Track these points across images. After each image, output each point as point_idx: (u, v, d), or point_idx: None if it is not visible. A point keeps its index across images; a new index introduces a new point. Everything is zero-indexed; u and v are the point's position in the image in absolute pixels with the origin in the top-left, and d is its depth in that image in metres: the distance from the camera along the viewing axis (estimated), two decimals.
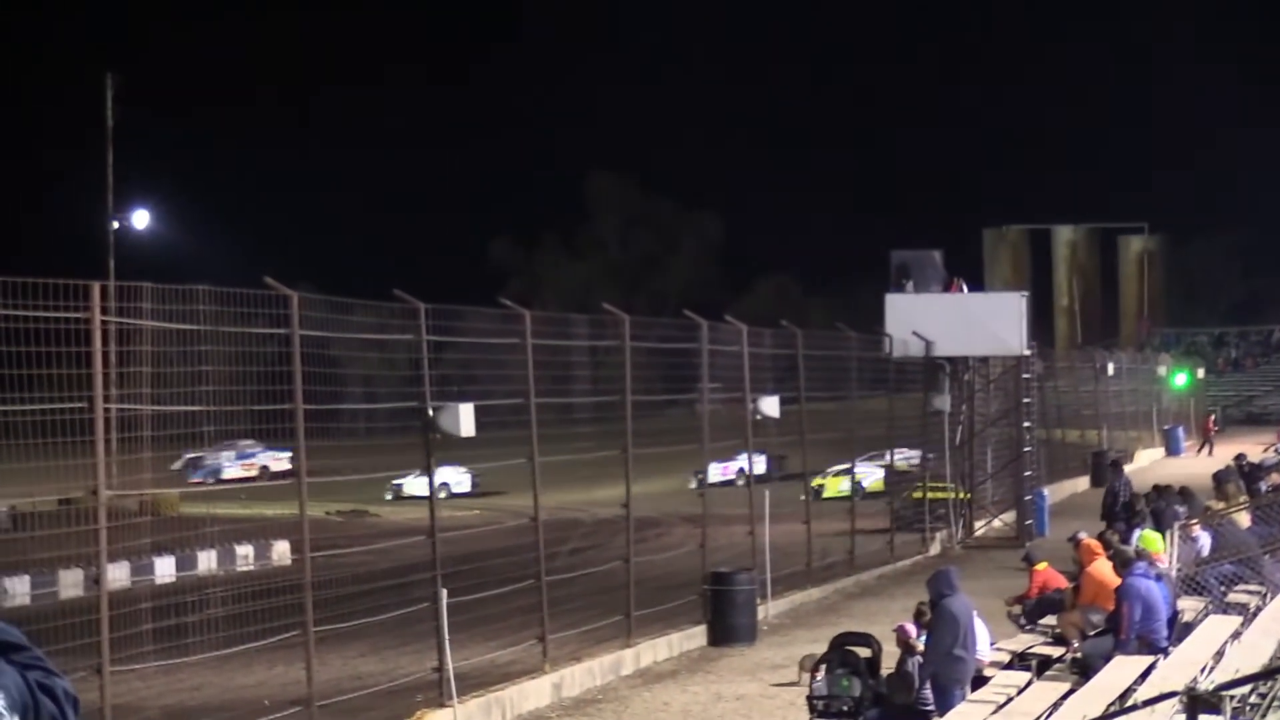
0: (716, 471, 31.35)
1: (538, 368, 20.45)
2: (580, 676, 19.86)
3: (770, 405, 26.84)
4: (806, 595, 27.39)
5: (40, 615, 14.17)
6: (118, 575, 23.22)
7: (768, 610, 25.10)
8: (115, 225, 66.85)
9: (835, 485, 37.83)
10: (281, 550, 35.80)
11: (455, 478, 45.54)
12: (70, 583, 30.98)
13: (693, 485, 34.15)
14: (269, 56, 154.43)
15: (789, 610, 26.15)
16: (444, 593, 17.40)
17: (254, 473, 36.89)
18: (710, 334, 25.21)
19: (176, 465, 26.94)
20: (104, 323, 14.01)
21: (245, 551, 38.49)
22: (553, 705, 18.90)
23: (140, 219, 69.22)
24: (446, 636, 17.20)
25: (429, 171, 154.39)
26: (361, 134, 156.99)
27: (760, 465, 33.29)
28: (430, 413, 18.02)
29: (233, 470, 41.99)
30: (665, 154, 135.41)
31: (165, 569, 34.72)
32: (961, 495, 36.90)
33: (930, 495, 35.62)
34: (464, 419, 18.17)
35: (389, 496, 51.81)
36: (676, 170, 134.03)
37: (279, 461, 28.60)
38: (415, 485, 41.89)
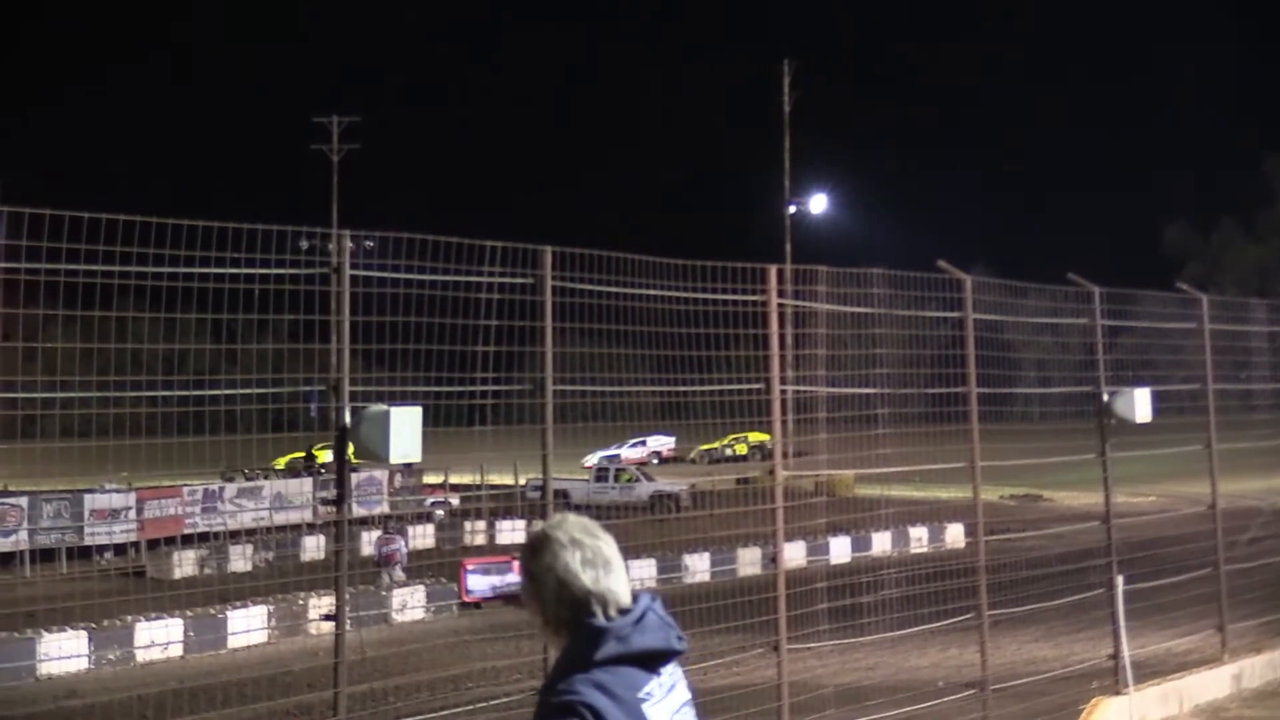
0: None
1: (1215, 353, 19.81)
2: (1260, 669, 18.99)
3: None
4: None
5: (720, 592, 14.67)
6: (794, 554, 23.93)
7: None
8: (792, 210, 68.86)
9: None
10: (955, 533, 36.05)
11: None
12: (748, 560, 32.28)
13: None
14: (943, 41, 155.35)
15: None
16: (1120, 579, 17.04)
17: None
18: None
19: None
20: (780, 305, 14.36)
21: (919, 534, 38.99)
22: (1232, 697, 18.15)
23: (817, 203, 70.98)
24: (1122, 623, 16.83)
25: (1103, 155, 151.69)
26: (1038, 119, 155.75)
27: None
28: (1105, 398, 17.71)
29: None
30: None
31: (840, 549, 35.62)
32: None
33: None
34: (1139, 404, 17.76)
35: None
36: None
37: None
38: None
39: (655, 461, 62.61)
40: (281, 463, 56.29)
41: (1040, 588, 18.14)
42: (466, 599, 11.26)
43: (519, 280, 12.66)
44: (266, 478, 48.31)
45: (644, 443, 66.60)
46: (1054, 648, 19.53)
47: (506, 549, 34.06)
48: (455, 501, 47.06)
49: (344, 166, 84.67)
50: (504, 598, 11.41)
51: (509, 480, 42.12)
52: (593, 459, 55.74)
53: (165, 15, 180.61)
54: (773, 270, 14.32)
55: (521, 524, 37.71)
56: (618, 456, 61.09)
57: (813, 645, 15.18)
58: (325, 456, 60.98)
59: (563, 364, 13.03)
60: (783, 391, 14.47)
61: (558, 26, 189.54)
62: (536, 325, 12.65)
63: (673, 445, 67.53)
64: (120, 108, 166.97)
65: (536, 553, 4.36)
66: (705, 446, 69.34)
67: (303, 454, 58.13)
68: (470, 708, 16.98)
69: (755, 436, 67.98)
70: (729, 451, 70.30)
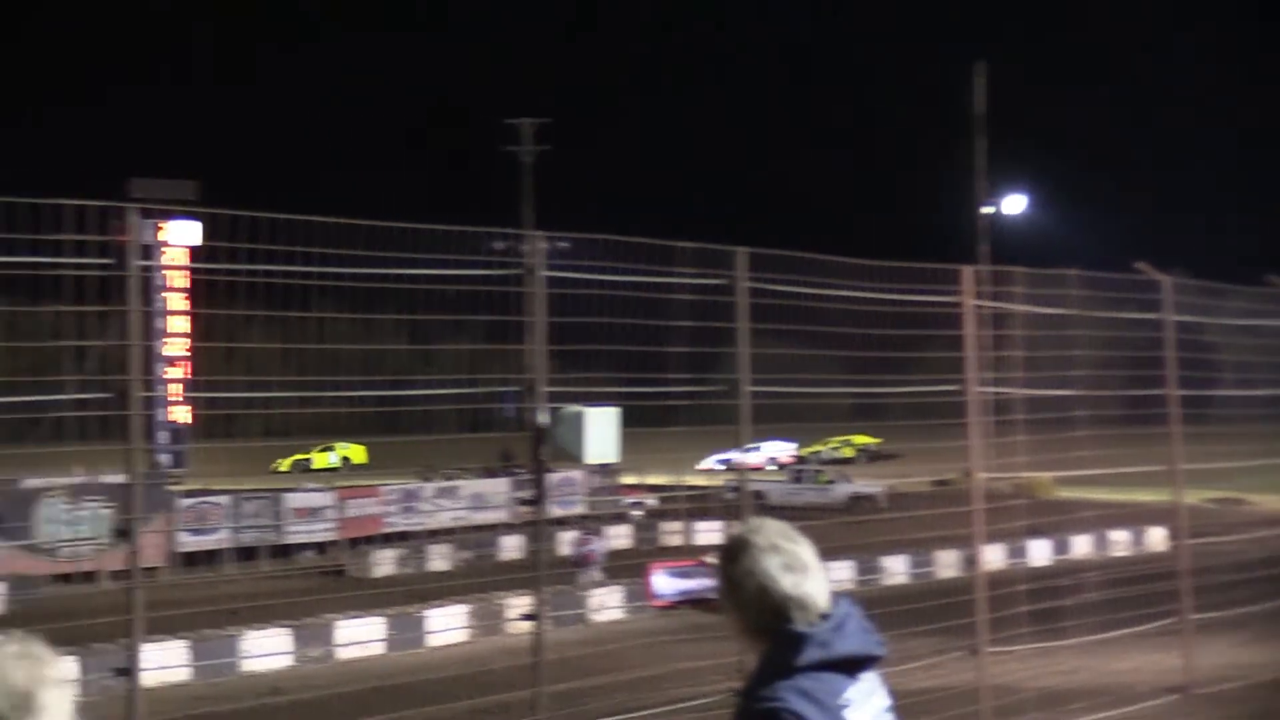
0: None
1: None
2: None
3: None
4: None
5: (918, 594, 14.55)
6: (993, 557, 23.62)
7: None
8: (988, 211, 68.02)
9: None
10: (1155, 536, 35.31)
11: None
12: (946, 563, 31.93)
13: None
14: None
15: None
16: None
17: None
18: None
19: None
20: (976, 307, 14.22)
21: (1119, 537, 38.25)
22: None
23: (1013, 204, 69.97)
24: None
25: None
26: (1243, 116, 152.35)
27: None
28: None
29: None
30: None
31: (1040, 552, 35.07)
32: None
33: None
34: None
35: None
36: None
37: None
38: None
39: (774, 468, 60.53)
40: (286, 464, 57.44)
41: (1245, 591, 17.73)
42: (654, 603, 11.23)
43: (712, 281, 12.64)
44: (464, 477, 48.91)
45: (758, 449, 64.29)
46: (1260, 653, 19.06)
47: (702, 550, 34.06)
48: (651, 502, 47.18)
49: (530, 168, 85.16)
50: (691, 602, 11.34)
51: (704, 481, 42.15)
52: (707, 462, 54.26)
53: (347, 15, 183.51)
54: (967, 271, 14.20)
55: (718, 525, 37.71)
56: (729, 461, 59.40)
57: (1012, 648, 15.00)
58: (326, 461, 61.64)
59: (755, 364, 12.99)
60: (980, 393, 14.31)
61: (741, 27, 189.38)
62: (731, 326, 12.61)
63: (793, 452, 65.41)
64: (309, 107, 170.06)
65: (735, 558, 4.30)
66: (807, 450, 68.05)
67: (305, 455, 59.49)
68: (669, 708, 17.01)
69: (860, 439, 66.81)
70: (836, 455, 69.07)
